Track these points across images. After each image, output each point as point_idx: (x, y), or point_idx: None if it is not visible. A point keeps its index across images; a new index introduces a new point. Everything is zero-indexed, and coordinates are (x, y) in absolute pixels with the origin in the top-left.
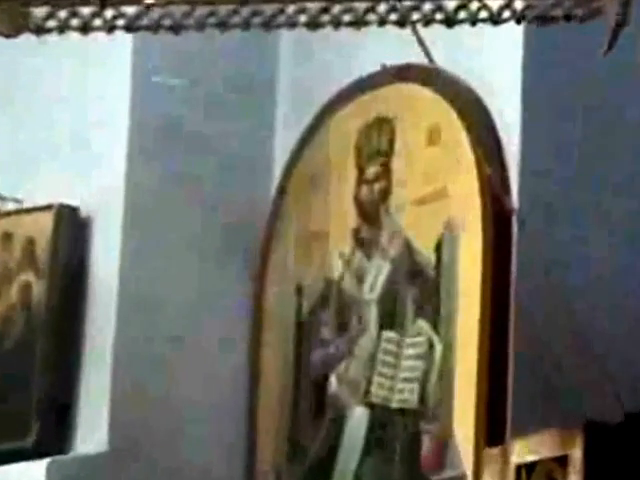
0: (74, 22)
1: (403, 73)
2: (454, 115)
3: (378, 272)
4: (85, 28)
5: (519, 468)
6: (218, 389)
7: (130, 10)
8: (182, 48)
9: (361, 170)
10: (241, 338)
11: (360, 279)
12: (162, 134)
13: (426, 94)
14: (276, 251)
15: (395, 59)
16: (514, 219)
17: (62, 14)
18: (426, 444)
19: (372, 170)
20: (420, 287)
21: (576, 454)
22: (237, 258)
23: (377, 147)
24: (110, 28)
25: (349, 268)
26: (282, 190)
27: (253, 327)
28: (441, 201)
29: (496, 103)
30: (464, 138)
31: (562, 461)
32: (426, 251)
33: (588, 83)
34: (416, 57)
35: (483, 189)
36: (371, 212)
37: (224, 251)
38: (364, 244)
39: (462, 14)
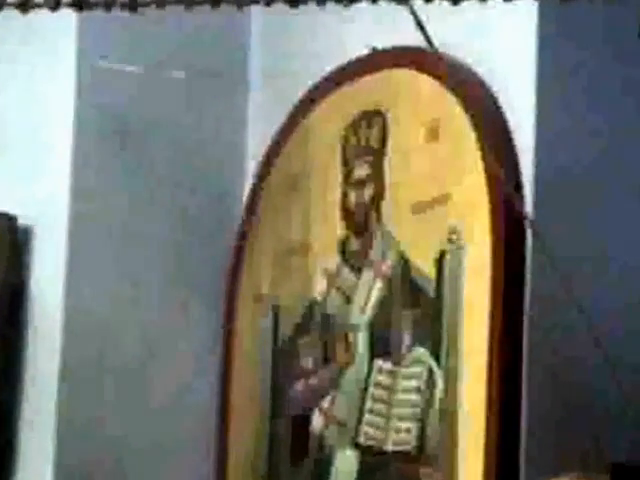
0: None
1: (397, 58)
2: (458, 107)
3: (369, 291)
4: (25, 5)
5: None
6: (183, 427)
7: None
8: (140, 30)
9: (348, 171)
10: (209, 369)
11: (348, 299)
12: (113, 130)
13: (424, 82)
14: (249, 267)
15: (387, 42)
16: (528, 227)
17: None
18: None
19: (361, 171)
20: (418, 309)
21: None
22: (204, 275)
23: (367, 145)
24: (54, 5)
25: (334, 287)
26: (255, 195)
27: (223, 356)
28: (442, 207)
29: (507, 93)
30: (470, 134)
31: None
32: (425, 266)
33: (613, 69)
34: (412, 40)
35: (492, 193)
36: (360, 221)
37: (188, 266)
38: (352, 258)
39: None
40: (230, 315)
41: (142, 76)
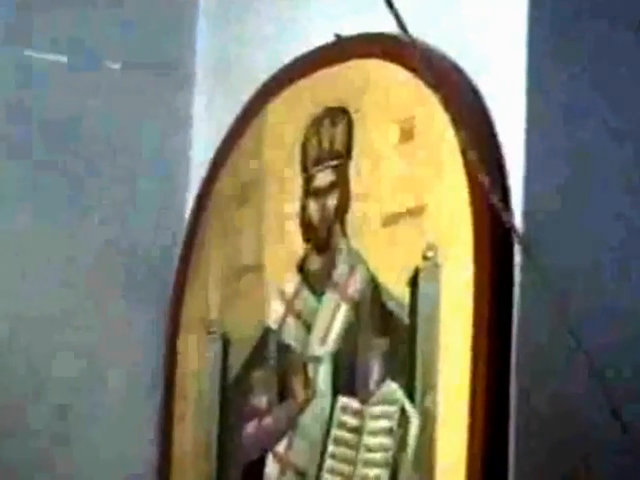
0: None
1: (365, 47)
2: (436, 104)
3: (332, 317)
4: None
5: None
6: (119, 476)
7: None
8: (68, 14)
9: (308, 179)
10: (148, 408)
11: (307, 327)
12: (39, 129)
13: (398, 75)
14: (194, 290)
15: (354, 28)
16: (517, 243)
17: None
18: None
19: (323, 179)
20: (390, 337)
21: None
22: (141, 300)
23: (330, 147)
24: None
25: (292, 312)
26: (201, 207)
27: (164, 394)
28: (417, 220)
29: (493, 89)
30: (449, 135)
31: None
32: (397, 288)
33: (611, 67)
34: (384, 26)
35: (475, 203)
36: (322, 236)
37: (124, 290)
38: (313, 279)
39: None
40: (172, 345)
41: (68, 66)
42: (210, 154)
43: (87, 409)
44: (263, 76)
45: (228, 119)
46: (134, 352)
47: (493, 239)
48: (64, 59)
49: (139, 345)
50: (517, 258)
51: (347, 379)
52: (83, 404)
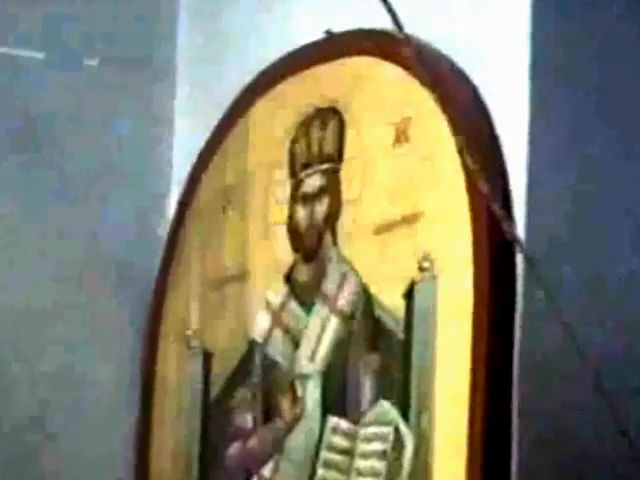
0: None
1: (357, 43)
2: (433, 104)
3: (321, 331)
4: None
5: None
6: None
7: None
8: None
9: (296, 183)
10: (124, 427)
11: (295, 341)
12: (7, 128)
13: (392, 73)
14: (173, 301)
15: (345, 24)
16: (519, 253)
17: None
18: None
19: (312, 183)
20: (383, 353)
21: None
22: (117, 312)
23: (319, 150)
24: None
25: (279, 325)
26: (182, 213)
27: (141, 413)
28: (413, 228)
29: (494, 89)
30: (447, 137)
31: None
32: (392, 301)
33: (618, 67)
34: (377, 21)
35: (474, 211)
36: (311, 244)
37: (99, 302)
38: (301, 290)
39: None
40: (150, 360)
41: (46, 63)
42: (192, 155)
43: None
44: (248, 74)
45: (211, 119)
46: (109, 374)
47: (494, 249)
48: (41, 56)
49: (114, 366)
50: (519, 269)
51: (337, 398)
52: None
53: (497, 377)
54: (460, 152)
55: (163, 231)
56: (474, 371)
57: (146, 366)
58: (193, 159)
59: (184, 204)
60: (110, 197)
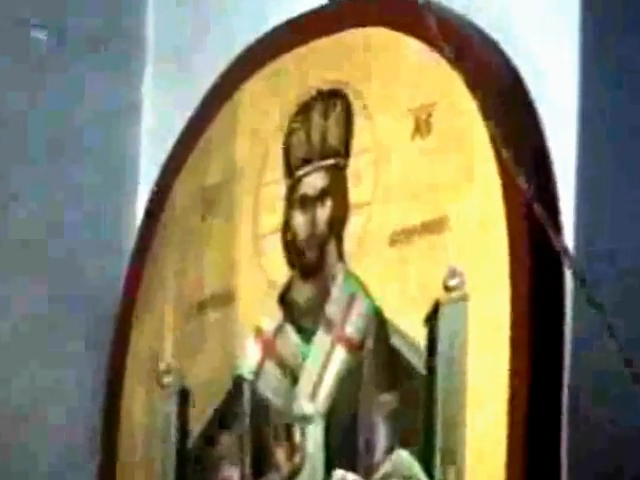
0: None
1: (368, 11)
2: (461, 87)
3: (325, 365)
4: None
5: None
6: None
7: None
8: None
9: (293, 184)
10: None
11: (293, 377)
12: None
13: (410, 49)
14: (141, 329)
15: None
16: (567, 269)
17: None
18: None
19: (313, 183)
20: (400, 391)
21: None
22: (76, 342)
23: (322, 143)
24: None
25: (272, 357)
26: (152, 222)
27: (102, 465)
28: (437, 237)
29: (537, 69)
30: (478, 127)
31: None
32: (411, 327)
33: None
34: None
35: (511, 216)
36: (311, 258)
37: (57, 329)
38: (299, 314)
39: None
40: (114, 401)
41: None
42: (164, 150)
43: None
44: (234, 48)
45: (188, 104)
46: (67, 411)
47: (536, 263)
48: None
49: (75, 401)
50: (568, 289)
51: (345, 446)
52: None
53: (542, 419)
54: (493, 142)
55: (128, 244)
56: (512, 414)
57: (109, 408)
58: (165, 155)
59: (153, 211)
60: (64, 214)
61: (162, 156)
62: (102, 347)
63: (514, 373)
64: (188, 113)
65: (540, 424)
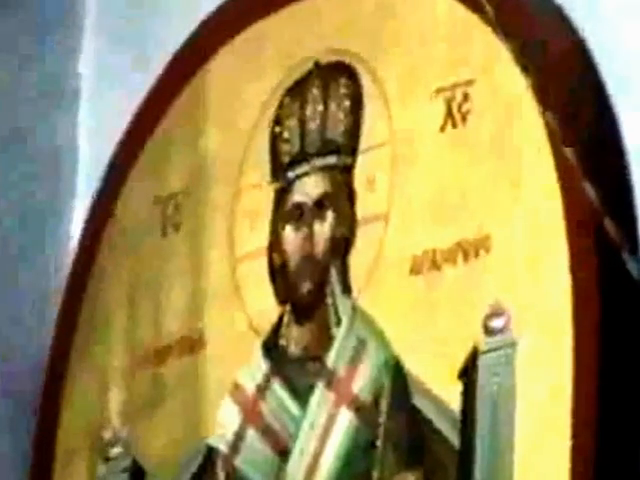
0: None
1: None
2: (509, 62)
3: (325, 433)
4: None
5: None
6: None
7: None
8: None
9: (282, 188)
10: None
11: (283, 449)
12: None
13: (443, 9)
14: (78, 386)
15: None
16: None
17: None
18: None
19: (309, 188)
20: (426, 469)
21: None
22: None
23: (321, 134)
24: None
25: (255, 423)
26: (92, 241)
27: None
28: (475, 262)
29: (615, 46)
30: (531, 115)
31: None
32: (440, 382)
33: None
34: None
35: (573, 235)
36: (307, 289)
37: None
38: (291, 366)
39: None
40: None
41: None
42: (108, 146)
43: None
44: (200, 9)
45: (137, 91)
46: None
47: (607, 297)
48: None
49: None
50: None
51: None
52: None
53: None
54: (551, 137)
55: (62, 271)
56: None
57: None
58: (109, 153)
59: (94, 226)
60: None
61: (106, 155)
62: (26, 413)
63: (579, 444)
64: (137, 99)
65: None
